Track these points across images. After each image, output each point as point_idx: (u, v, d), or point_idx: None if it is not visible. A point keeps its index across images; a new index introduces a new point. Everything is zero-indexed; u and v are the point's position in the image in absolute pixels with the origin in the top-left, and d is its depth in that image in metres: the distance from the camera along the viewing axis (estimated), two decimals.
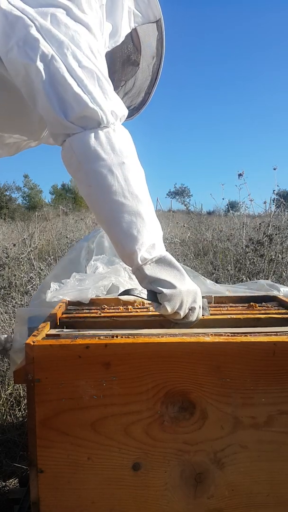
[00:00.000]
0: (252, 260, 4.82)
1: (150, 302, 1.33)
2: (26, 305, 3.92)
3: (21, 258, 5.21)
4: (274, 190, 6.17)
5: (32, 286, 4.41)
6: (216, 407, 1.11)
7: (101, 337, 1.16)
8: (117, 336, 1.16)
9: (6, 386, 2.65)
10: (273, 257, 4.75)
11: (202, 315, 1.37)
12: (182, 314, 1.27)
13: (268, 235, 5.02)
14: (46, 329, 1.28)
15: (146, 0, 1.58)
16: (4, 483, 2.00)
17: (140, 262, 1.25)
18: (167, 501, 1.14)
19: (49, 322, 1.34)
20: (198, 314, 1.31)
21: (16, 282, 4.52)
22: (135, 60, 1.67)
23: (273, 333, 1.20)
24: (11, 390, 2.63)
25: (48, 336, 1.23)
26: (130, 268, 1.31)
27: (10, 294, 4.30)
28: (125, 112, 1.34)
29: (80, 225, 9.97)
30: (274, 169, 5.67)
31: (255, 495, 1.15)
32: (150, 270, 1.25)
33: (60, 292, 1.71)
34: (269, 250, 4.84)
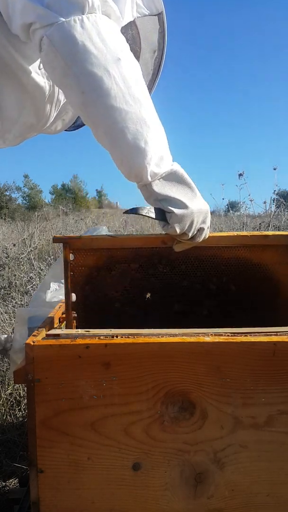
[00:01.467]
0: None
1: (157, 220, 1.23)
2: (26, 305, 3.92)
3: (21, 258, 5.21)
4: (274, 190, 6.17)
5: (32, 286, 4.41)
6: (216, 407, 1.11)
7: (101, 337, 1.16)
8: (117, 336, 1.16)
9: (6, 386, 2.65)
10: None
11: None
12: (190, 235, 1.21)
13: None
14: (46, 329, 1.28)
15: None
16: (4, 483, 2.00)
17: (150, 179, 1.12)
18: (167, 501, 1.14)
19: (48, 325, 1.34)
20: (205, 234, 1.26)
21: (16, 282, 4.52)
22: (134, 52, 1.61)
23: (273, 333, 1.20)
24: (11, 390, 2.63)
25: (48, 336, 1.23)
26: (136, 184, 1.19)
27: (10, 294, 4.30)
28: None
29: (80, 225, 9.98)
30: (274, 169, 5.67)
31: (255, 495, 1.15)
32: (160, 187, 1.14)
33: (60, 292, 1.72)
34: None
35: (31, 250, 5.53)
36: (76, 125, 1.67)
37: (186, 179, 1.17)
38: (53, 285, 1.79)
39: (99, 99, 1.04)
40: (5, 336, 2.03)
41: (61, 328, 1.48)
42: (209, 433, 1.12)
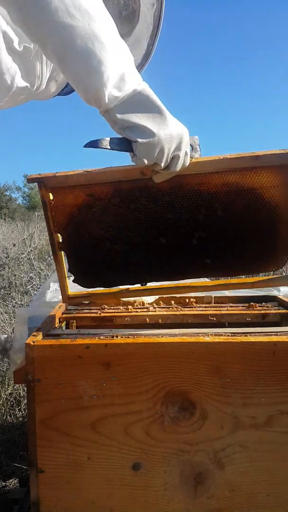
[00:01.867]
0: None
1: (123, 152, 1.09)
2: (26, 305, 3.92)
3: (21, 258, 5.21)
4: None
5: (32, 286, 4.41)
6: (216, 407, 1.11)
7: (101, 337, 1.16)
8: (117, 336, 1.16)
9: (6, 386, 2.65)
10: None
11: (191, 158, 1.18)
12: (162, 164, 1.08)
13: None
14: (47, 329, 1.28)
15: None
16: (4, 483, 2.00)
17: (109, 103, 0.99)
18: (167, 501, 1.14)
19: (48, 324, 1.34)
20: (182, 162, 1.12)
21: (16, 282, 4.52)
22: (131, 7, 1.43)
23: (273, 333, 1.20)
24: (11, 390, 2.63)
25: (48, 336, 1.23)
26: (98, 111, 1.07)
27: (10, 294, 4.30)
28: None
29: None
30: None
31: (255, 495, 1.15)
32: (122, 112, 1.01)
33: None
34: None
35: (31, 250, 5.54)
36: (66, 91, 1.53)
37: (153, 101, 1.03)
38: (53, 285, 1.79)
39: (38, 14, 0.92)
40: (5, 336, 2.03)
41: (61, 328, 1.48)
42: (209, 433, 1.12)
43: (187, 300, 1.71)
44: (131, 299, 1.68)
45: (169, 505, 1.14)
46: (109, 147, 1.05)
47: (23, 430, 2.35)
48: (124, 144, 1.05)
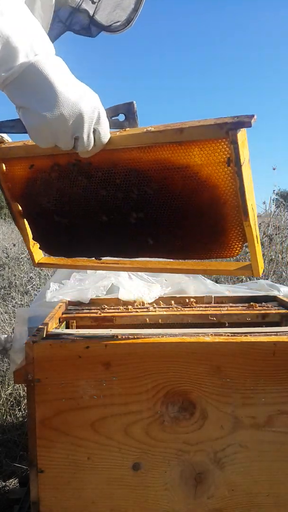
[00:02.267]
0: None
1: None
2: (26, 305, 3.92)
3: (21, 258, 5.21)
4: (274, 191, 6.17)
5: (32, 286, 4.41)
6: (216, 407, 1.11)
7: (101, 337, 1.16)
8: (117, 336, 1.16)
9: (6, 386, 2.65)
10: (273, 257, 4.76)
11: (121, 130, 1.08)
12: (63, 146, 0.98)
13: (268, 235, 5.03)
14: (47, 329, 1.28)
15: None
16: (4, 483, 2.00)
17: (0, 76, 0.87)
18: (167, 501, 1.14)
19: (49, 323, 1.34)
20: (87, 143, 0.99)
21: (16, 282, 4.52)
22: None
23: (273, 333, 1.20)
24: (11, 390, 2.63)
25: (48, 336, 1.23)
26: None
27: (10, 294, 4.30)
28: None
29: None
30: (274, 169, 5.67)
31: (255, 495, 1.15)
32: (14, 93, 0.91)
33: (60, 292, 1.72)
34: (269, 250, 4.85)
35: None
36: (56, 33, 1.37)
37: (44, 76, 0.88)
38: (53, 285, 1.79)
39: None
40: (5, 336, 2.02)
41: (61, 328, 1.48)
42: (209, 433, 1.12)
43: (187, 300, 1.71)
44: (131, 299, 1.68)
45: (169, 505, 1.14)
46: (2, 131, 0.95)
47: (23, 430, 2.35)
48: (20, 127, 0.94)
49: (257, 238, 1.06)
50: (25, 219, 1.35)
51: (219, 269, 1.26)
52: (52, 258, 1.45)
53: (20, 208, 1.33)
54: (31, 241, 1.38)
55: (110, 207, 1.21)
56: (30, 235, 1.37)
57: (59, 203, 1.25)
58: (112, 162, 1.14)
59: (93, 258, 1.36)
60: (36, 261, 1.44)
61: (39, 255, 1.44)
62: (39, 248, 1.40)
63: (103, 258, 1.34)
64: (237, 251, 1.10)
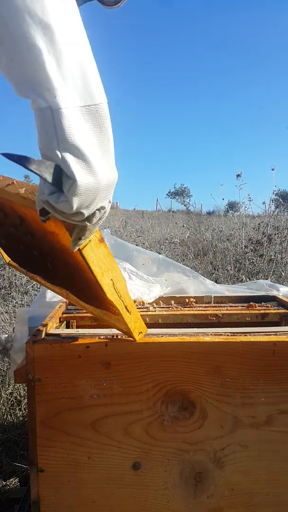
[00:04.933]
0: (251, 260, 4.83)
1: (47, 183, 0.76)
2: (27, 305, 3.93)
3: None
4: (273, 191, 6.18)
5: (32, 286, 4.41)
6: (216, 407, 1.11)
7: (101, 337, 1.16)
8: (117, 336, 1.16)
9: (7, 386, 2.66)
10: (273, 257, 4.77)
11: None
12: (86, 214, 0.80)
13: (268, 235, 5.03)
14: (47, 329, 1.28)
15: None
16: (4, 483, 2.01)
17: (60, 99, 0.72)
18: (167, 500, 1.14)
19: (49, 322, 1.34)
20: (105, 216, 0.86)
21: (16, 282, 4.52)
22: None
23: (272, 333, 1.20)
24: (12, 390, 2.63)
25: (48, 335, 1.23)
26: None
27: (10, 294, 4.30)
28: None
29: None
30: (272, 169, 5.69)
31: (255, 495, 1.15)
32: (72, 122, 0.73)
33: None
34: (268, 250, 4.86)
35: None
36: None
37: (107, 125, 0.77)
38: None
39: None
40: (6, 335, 2.03)
41: (61, 328, 1.48)
42: (209, 433, 1.12)
43: (187, 300, 1.71)
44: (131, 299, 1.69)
45: (169, 504, 1.15)
46: (40, 172, 0.73)
47: (23, 430, 2.35)
48: (55, 175, 0.74)
49: (126, 308, 1.05)
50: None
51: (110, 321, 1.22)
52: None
53: None
54: None
55: (18, 239, 1.23)
56: None
57: None
58: (12, 208, 1.15)
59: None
60: (7, 261, 1.46)
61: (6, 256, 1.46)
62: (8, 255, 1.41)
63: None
64: (116, 312, 1.09)
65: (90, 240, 0.93)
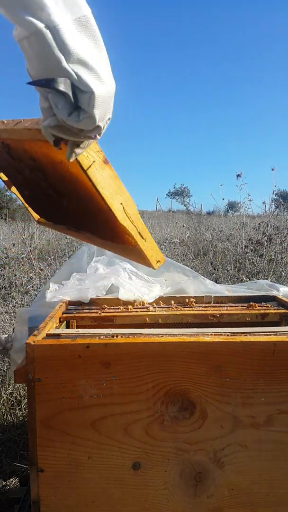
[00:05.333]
0: (251, 260, 4.83)
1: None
2: (27, 305, 3.93)
3: (21, 258, 5.22)
4: (273, 191, 6.18)
5: (32, 286, 4.41)
6: (216, 407, 1.11)
7: (101, 337, 1.16)
8: (117, 336, 1.16)
9: (7, 386, 2.66)
10: (273, 257, 4.76)
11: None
12: (103, 127, 0.82)
13: (268, 235, 5.03)
14: (47, 329, 1.28)
15: None
16: (4, 483, 2.01)
17: (55, 17, 0.72)
18: (167, 500, 1.14)
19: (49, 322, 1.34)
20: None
21: (16, 282, 4.52)
22: None
23: (272, 333, 1.20)
24: (12, 390, 2.63)
25: (49, 336, 1.23)
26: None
27: (10, 294, 4.30)
28: None
29: None
30: (272, 169, 5.69)
31: (255, 495, 1.15)
32: (72, 37, 0.74)
33: (60, 292, 1.72)
34: (268, 250, 4.85)
35: (31, 250, 5.54)
36: None
37: (98, 34, 0.77)
38: (53, 285, 1.80)
39: None
40: (6, 335, 2.03)
41: (61, 328, 1.48)
42: (209, 433, 1.12)
43: (187, 300, 1.71)
44: (131, 299, 1.69)
45: (168, 504, 1.15)
46: (65, 90, 0.74)
47: (23, 430, 2.35)
48: (72, 93, 0.75)
49: (140, 234, 1.06)
50: (13, 186, 1.46)
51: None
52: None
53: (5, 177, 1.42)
54: (25, 204, 1.50)
55: (36, 185, 1.28)
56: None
57: (18, 175, 1.34)
58: (24, 149, 1.17)
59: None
60: (36, 219, 1.52)
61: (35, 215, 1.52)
62: (31, 208, 1.47)
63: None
64: (132, 242, 1.11)
65: (94, 161, 0.95)
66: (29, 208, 1.51)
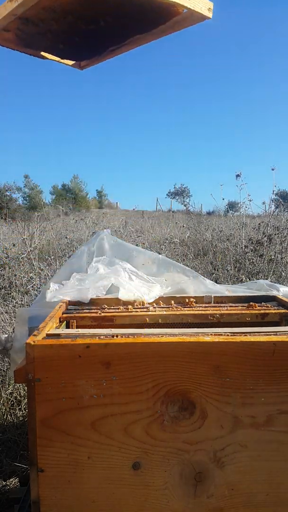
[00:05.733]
0: (251, 260, 4.83)
1: None
2: (27, 305, 3.93)
3: (21, 258, 5.22)
4: (273, 191, 6.18)
5: (32, 286, 4.41)
6: (216, 407, 1.11)
7: (101, 337, 1.16)
8: (117, 336, 1.16)
9: (7, 386, 2.66)
10: (273, 257, 4.76)
11: None
12: None
13: (268, 235, 5.03)
14: (47, 329, 1.28)
15: None
16: (4, 483, 2.01)
17: None
18: (167, 500, 1.14)
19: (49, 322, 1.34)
20: None
21: (16, 282, 4.52)
22: None
23: (272, 333, 1.20)
24: (12, 390, 2.63)
25: (49, 336, 1.23)
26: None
27: (10, 294, 4.30)
28: None
29: (80, 225, 10.00)
30: (272, 169, 5.69)
31: (255, 495, 1.15)
32: None
33: (60, 292, 1.72)
34: (268, 250, 4.86)
35: (31, 250, 5.54)
36: None
37: None
38: (53, 285, 1.80)
39: None
40: (6, 335, 2.03)
41: (61, 328, 1.48)
42: (209, 433, 1.12)
43: (187, 300, 1.71)
44: (131, 299, 1.69)
45: (169, 504, 1.15)
46: None
47: (23, 430, 2.36)
48: None
49: None
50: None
51: None
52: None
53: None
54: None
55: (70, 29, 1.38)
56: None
57: (52, 13, 1.37)
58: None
59: None
60: (81, 66, 1.65)
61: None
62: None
63: None
64: (180, 10, 1.19)
65: None
66: (69, 62, 1.59)
